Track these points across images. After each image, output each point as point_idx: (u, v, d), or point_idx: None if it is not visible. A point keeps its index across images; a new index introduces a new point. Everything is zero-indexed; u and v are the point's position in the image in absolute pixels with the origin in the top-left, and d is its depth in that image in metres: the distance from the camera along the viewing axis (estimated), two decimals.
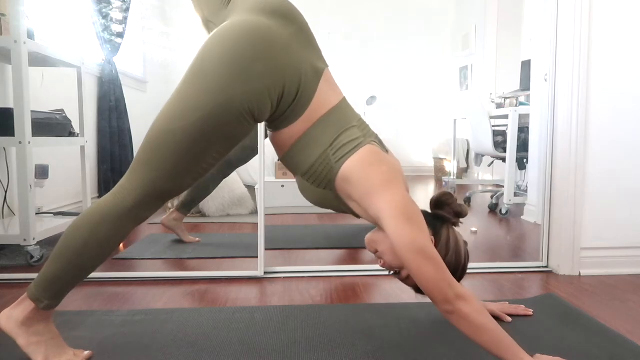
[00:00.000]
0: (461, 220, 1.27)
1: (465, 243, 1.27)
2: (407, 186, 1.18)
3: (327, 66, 1.23)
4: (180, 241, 2.45)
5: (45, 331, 1.14)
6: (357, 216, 1.24)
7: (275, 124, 1.18)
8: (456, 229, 1.28)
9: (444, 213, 1.25)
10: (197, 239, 2.48)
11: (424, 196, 4.42)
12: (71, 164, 3.09)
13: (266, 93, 1.07)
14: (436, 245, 1.18)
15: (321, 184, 1.17)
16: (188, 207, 2.43)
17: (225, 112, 1.04)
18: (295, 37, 1.14)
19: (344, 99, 1.22)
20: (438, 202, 1.27)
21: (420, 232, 1.06)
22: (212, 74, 1.04)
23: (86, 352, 1.19)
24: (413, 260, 1.04)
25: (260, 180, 1.96)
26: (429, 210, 1.27)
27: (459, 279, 1.20)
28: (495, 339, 1.02)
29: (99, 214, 1.09)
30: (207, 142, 1.06)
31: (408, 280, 1.22)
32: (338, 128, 1.15)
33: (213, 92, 1.03)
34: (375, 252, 1.23)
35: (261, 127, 1.95)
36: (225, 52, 1.04)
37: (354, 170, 1.12)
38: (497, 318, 1.44)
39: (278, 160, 3.97)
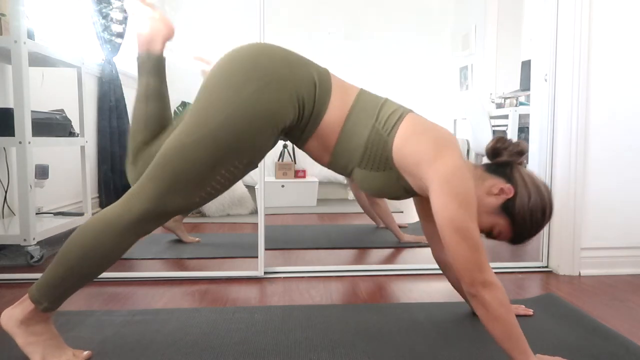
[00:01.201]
0: (524, 156, 1.20)
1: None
2: (459, 152, 1.11)
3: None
4: (180, 241, 2.45)
5: (43, 331, 1.14)
6: (415, 194, 1.19)
7: (307, 130, 1.14)
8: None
9: (505, 158, 1.19)
10: (197, 239, 2.48)
11: None
12: (71, 164, 3.09)
13: (288, 98, 1.07)
14: (516, 193, 1.13)
15: (380, 163, 1.13)
16: None
17: (247, 123, 1.03)
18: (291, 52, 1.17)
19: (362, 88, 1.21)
20: (495, 151, 1.21)
21: (463, 210, 1.03)
22: (232, 87, 1.04)
23: (85, 352, 1.18)
24: (450, 237, 1.03)
25: (260, 180, 1.96)
26: (489, 161, 1.22)
27: (549, 217, 1.16)
28: (507, 333, 1.02)
29: (104, 223, 1.08)
30: (220, 155, 1.04)
31: (501, 236, 1.18)
32: (374, 105, 1.14)
33: (235, 102, 1.03)
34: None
35: None
36: (242, 67, 1.06)
37: (407, 138, 1.09)
38: None
39: (278, 160, 3.97)
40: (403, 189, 1.17)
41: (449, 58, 6.09)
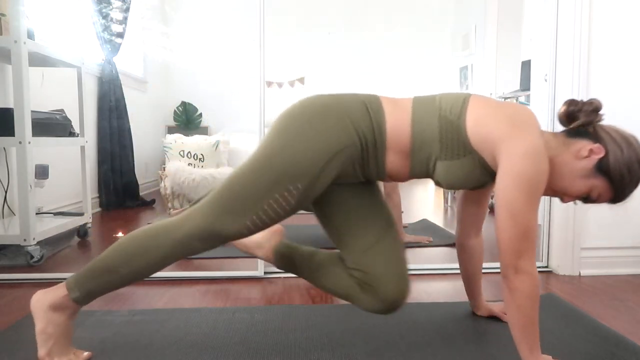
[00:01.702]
0: (601, 112, 1.13)
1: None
2: (536, 129, 1.06)
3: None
4: None
5: (63, 325, 1.15)
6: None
7: (378, 145, 1.13)
8: None
9: (584, 119, 1.12)
10: None
11: (424, 196, 4.42)
12: (71, 164, 3.10)
13: (341, 124, 1.09)
14: (607, 150, 1.07)
15: (459, 150, 1.10)
16: None
17: (303, 149, 1.07)
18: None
19: None
20: (569, 115, 1.15)
21: (526, 193, 1.01)
22: (287, 130, 1.09)
23: (85, 353, 1.19)
24: (504, 217, 1.02)
25: None
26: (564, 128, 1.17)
27: None
28: (523, 325, 1.03)
29: (158, 230, 1.12)
30: (276, 179, 1.07)
31: (600, 198, 1.13)
32: (431, 99, 1.14)
33: (292, 137, 1.08)
34: (553, 191, 1.15)
35: (261, 122, 1.95)
36: (291, 112, 1.12)
37: (479, 117, 1.07)
38: (496, 318, 1.44)
39: None
40: (487, 173, 1.14)
41: (449, 58, 6.09)
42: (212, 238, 1.11)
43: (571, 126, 1.15)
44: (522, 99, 3.45)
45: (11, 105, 2.38)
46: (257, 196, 1.07)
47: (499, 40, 5.16)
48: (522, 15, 3.70)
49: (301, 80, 5.82)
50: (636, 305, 1.61)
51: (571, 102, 1.14)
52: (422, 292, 1.74)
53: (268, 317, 1.46)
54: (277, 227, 1.40)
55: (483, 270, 1.96)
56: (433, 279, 1.89)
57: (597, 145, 1.08)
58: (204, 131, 5.43)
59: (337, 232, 1.23)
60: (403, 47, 5.97)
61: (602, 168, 1.08)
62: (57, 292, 1.14)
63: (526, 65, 3.67)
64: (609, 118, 1.97)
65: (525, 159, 1.01)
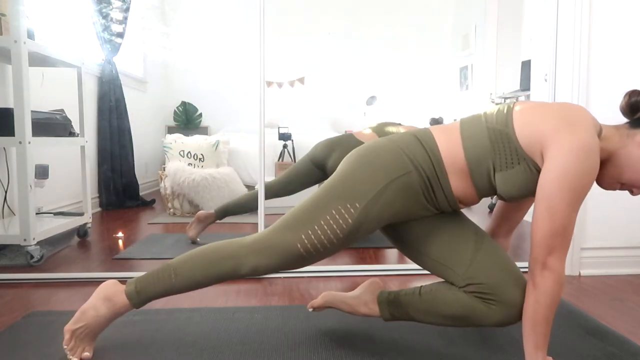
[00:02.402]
0: None
1: None
2: (590, 124, 1.05)
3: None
4: (180, 241, 2.45)
5: (101, 319, 1.19)
6: None
7: (438, 171, 1.14)
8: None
9: None
10: (198, 239, 2.48)
11: None
12: (71, 164, 3.10)
13: (398, 154, 1.15)
14: None
15: (513, 158, 1.09)
16: (226, 213, 2.43)
17: (365, 173, 1.13)
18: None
19: None
20: (633, 106, 1.12)
21: (566, 193, 1.00)
22: (358, 160, 1.16)
23: (85, 354, 1.19)
24: (541, 212, 1.02)
25: (260, 180, 1.96)
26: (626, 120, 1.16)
27: None
28: (536, 321, 1.03)
29: (228, 250, 1.18)
30: (334, 196, 1.13)
31: (635, 191, 1.14)
32: (477, 116, 1.16)
33: (358, 166, 1.15)
34: (620, 184, 1.15)
35: (261, 122, 1.95)
36: (351, 160, 1.18)
37: (526, 120, 1.07)
38: None
39: (278, 160, 3.97)
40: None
41: (449, 58, 6.09)
42: (269, 253, 1.16)
43: (635, 117, 1.12)
44: (522, 99, 3.45)
45: (11, 105, 2.38)
46: (315, 210, 1.12)
47: (499, 40, 5.16)
48: (522, 15, 3.70)
49: (301, 80, 5.82)
50: (636, 305, 1.61)
51: (633, 93, 1.12)
52: None
53: (268, 317, 1.46)
54: (373, 279, 1.37)
55: None
56: (433, 279, 1.89)
57: None
58: (204, 131, 5.43)
59: (435, 260, 1.18)
60: (403, 47, 5.97)
61: None
62: (119, 288, 1.21)
63: (526, 65, 3.67)
64: (609, 118, 1.97)
65: (571, 155, 1.00)
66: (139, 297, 1.19)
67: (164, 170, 3.36)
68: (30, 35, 2.09)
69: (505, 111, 1.11)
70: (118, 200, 3.65)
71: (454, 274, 1.15)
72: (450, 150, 1.13)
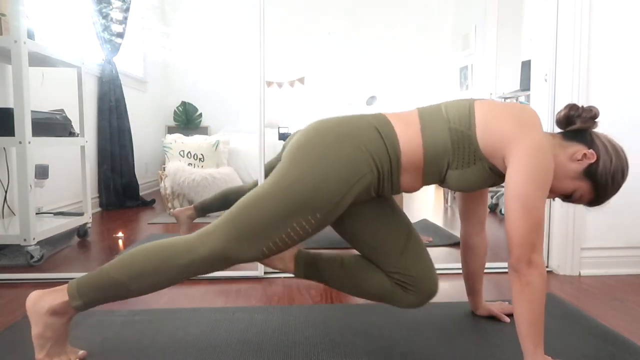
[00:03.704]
0: (597, 120, 1.21)
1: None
2: (541, 126, 1.12)
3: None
4: None
5: (59, 329, 1.14)
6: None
7: (393, 168, 1.15)
8: None
9: (580, 125, 1.18)
10: None
11: (424, 196, 4.42)
12: (71, 164, 3.10)
13: (362, 156, 1.10)
14: (598, 157, 1.14)
15: (470, 158, 1.13)
16: (206, 210, 2.43)
17: (323, 179, 1.07)
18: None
19: None
20: (568, 119, 1.20)
21: (537, 187, 1.05)
22: (307, 156, 1.10)
23: (81, 352, 1.19)
24: (516, 211, 1.04)
25: (260, 180, 1.96)
26: (561, 130, 1.23)
27: (627, 175, 1.18)
28: (533, 319, 1.04)
29: (172, 252, 1.11)
30: (295, 209, 1.07)
31: (582, 199, 1.19)
32: (437, 111, 1.16)
33: (311, 164, 1.08)
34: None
35: (261, 122, 1.95)
36: (308, 140, 1.12)
37: (487, 124, 1.10)
38: (495, 318, 1.44)
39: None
40: (496, 176, 1.17)
41: (449, 58, 6.09)
42: (227, 262, 1.12)
43: (568, 129, 1.20)
44: (522, 99, 3.45)
45: (11, 105, 2.38)
46: (275, 225, 1.08)
47: (499, 40, 5.16)
48: (522, 15, 3.70)
49: (301, 80, 5.82)
50: (636, 305, 1.61)
51: (572, 107, 1.19)
52: None
53: (268, 317, 1.46)
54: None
55: (485, 270, 1.97)
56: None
57: (590, 151, 1.14)
58: (204, 131, 5.43)
59: (368, 244, 1.25)
60: (403, 47, 5.97)
61: (590, 173, 1.14)
62: (57, 297, 1.12)
63: (526, 65, 3.67)
64: (609, 118, 1.97)
65: (535, 155, 1.05)
66: (87, 306, 1.14)
67: (164, 170, 3.36)
68: (30, 35, 2.09)
69: (467, 112, 1.13)
70: (118, 200, 3.65)
71: (384, 261, 1.24)
72: (410, 147, 1.13)
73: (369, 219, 1.24)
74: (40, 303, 1.12)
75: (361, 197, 1.17)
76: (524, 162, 1.05)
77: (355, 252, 1.33)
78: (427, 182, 1.19)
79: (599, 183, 1.15)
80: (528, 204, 1.04)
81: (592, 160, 1.14)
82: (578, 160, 1.15)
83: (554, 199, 1.23)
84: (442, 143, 1.13)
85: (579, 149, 1.15)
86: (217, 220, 1.12)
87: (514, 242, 1.05)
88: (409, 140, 1.14)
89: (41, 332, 1.11)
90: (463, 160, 1.14)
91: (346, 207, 1.14)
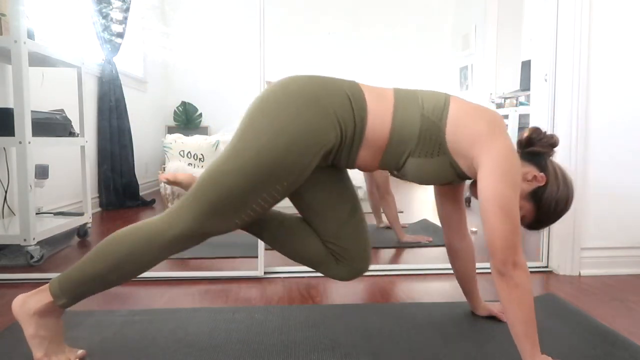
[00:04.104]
0: (555, 149, 1.26)
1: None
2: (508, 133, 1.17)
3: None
4: None
5: (52, 327, 1.14)
6: (468, 178, 1.20)
7: (356, 141, 1.14)
8: None
9: (539, 149, 1.23)
10: None
11: (424, 196, 4.42)
12: (71, 164, 3.10)
13: (324, 117, 1.08)
14: (547, 182, 1.19)
15: (434, 150, 1.13)
16: None
17: (286, 147, 1.05)
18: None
19: None
20: (530, 140, 1.25)
21: (512, 190, 1.06)
22: (268, 116, 1.07)
23: (80, 351, 1.19)
24: (495, 214, 1.05)
25: None
26: (520, 150, 1.26)
27: (568, 209, 1.23)
28: (526, 318, 1.04)
29: (144, 235, 1.10)
30: (262, 180, 1.06)
31: (524, 220, 1.23)
32: (413, 96, 1.15)
33: (272, 129, 1.05)
34: None
35: None
36: (275, 97, 1.08)
37: (459, 121, 1.11)
38: (495, 318, 1.44)
39: None
40: (455, 174, 1.18)
41: (449, 58, 6.09)
42: (202, 237, 1.12)
43: (526, 150, 1.24)
44: (522, 99, 3.45)
45: (11, 105, 2.38)
46: (244, 198, 1.07)
47: (499, 40, 5.16)
48: (522, 15, 3.70)
49: None
50: (636, 305, 1.61)
51: (535, 130, 1.25)
52: (422, 292, 1.74)
53: (268, 317, 1.46)
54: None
55: (482, 270, 1.97)
56: (433, 279, 1.89)
57: (541, 174, 1.19)
58: (204, 131, 5.43)
59: (311, 208, 1.26)
60: (403, 47, 5.97)
61: (537, 195, 1.18)
62: (41, 298, 1.12)
63: (526, 65, 3.67)
64: (609, 118, 1.97)
65: (507, 158, 1.08)
66: (73, 302, 1.14)
67: (164, 170, 3.36)
68: (30, 35, 2.09)
69: (442, 104, 1.13)
70: (118, 200, 3.65)
71: (324, 228, 1.25)
72: (378, 122, 1.13)
73: (319, 184, 1.24)
74: (26, 306, 1.12)
75: (320, 163, 1.17)
76: (497, 164, 1.06)
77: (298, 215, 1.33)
78: (384, 165, 1.19)
79: (543, 206, 1.18)
80: (506, 205, 1.05)
81: (541, 183, 1.18)
82: (528, 180, 1.19)
83: None
84: (411, 127, 1.12)
85: (531, 170, 1.19)
86: (183, 199, 1.11)
87: (497, 245, 1.05)
88: (379, 116, 1.13)
89: (34, 332, 1.12)
90: (427, 150, 1.14)
91: (310, 172, 1.13)
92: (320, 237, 1.27)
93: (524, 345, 1.04)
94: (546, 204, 1.19)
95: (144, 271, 1.14)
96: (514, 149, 1.11)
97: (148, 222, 1.12)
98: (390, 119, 1.13)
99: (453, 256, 1.44)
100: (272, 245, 1.31)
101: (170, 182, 1.34)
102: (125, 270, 1.11)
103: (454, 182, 1.23)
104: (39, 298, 1.12)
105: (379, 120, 1.13)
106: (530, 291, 1.05)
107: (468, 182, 1.29)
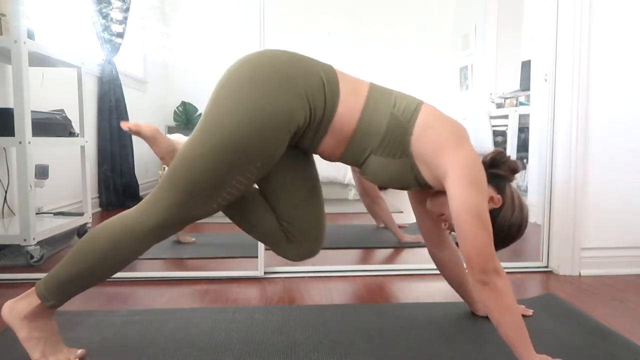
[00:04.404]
0: (516, 176, 1.27)
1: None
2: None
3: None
4: (179, 241, 2.45)
5: (46, 328, 1.14)
6: (428, 186, 1.20)
7: (322, 126, 1.13)
8: None
9: (501, 171, 1.25)
10: (193, 239, 2.48)
11: None
12: (71, 164, 3.09)
13: (296, 98, 1.06)
14: (503, 203, 1.20)
15: (397, 151, 1.13)
16: None
17: (261, 124, 1.03)
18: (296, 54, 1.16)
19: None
20: (493, 161, 1.26)
21: (482, 198, 1.07)
22: (239, 95, 1.04)
23: (79, 351, 1.19)
24: (468, 224, 1.04)
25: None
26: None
27: (519, 237, 1.25)
28: (516, 323, 1.04)
29: (123, 229, 1.10)
30: (235, 162, 1.05)
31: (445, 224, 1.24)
32: (387, 94, 1.15)
33: (243, 109, 1.03)
34: (441, 215, 1.25)
35: None
36: (252, 73, 1.06)
37: (428, 125, 1.11)
38: None
39: None
40: (414, 179, 1.17)
41: (449, 58, 6.09)
42: (184, 223, 1.12)
43: (488, 171, 1.24)
44: (522, 99, 3.45)
45: (11, 105, 2.38)
46: (218, 183, 1.06)
47: (499, 40, 5.16)
48: (522, 15, 3.70)
49: None
50: (636, 305, 1.61)
51: (500, 153, 1.26)
52: (422, 292, 1.74)
53: (268, 317, 1.46)
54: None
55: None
56: (433, 279, 1.89)
57: (498, 196, 1.20)
58: None
59: (270, 185, 1.25)
60: (403, 47, 5.97)
61: (490, 216, 1.16)
62: (30, 302, 1.12)
63: (526, 65, 3.67)
64: (609, 118, 1.97)
65: (474, 166, 1.08)
66: (61, 302, 1.14)
67: (164, 170, 3.36)
68: (30, 35, 2.09)
69: (414, 107, 1.13)
70: (118, 200, 3.65)
71: (280, 205, 1.25)
72: (347, 111, 1.12)
73: (280, 162, 1.23)
74: (15, 311, 1.12)
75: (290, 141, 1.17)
76: (464, 173, 1.07)
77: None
78: (346, 157, 1.18)
79: (495, 229, 1.18)
80: (479, 213, 1.05)
81: (497, 206, 1.19)
82: None
83: (446, 226, 1.25)
84: (378, 123, 1.12)
85: (489, 191, 1.19)
86: (157, 187, 1.10)
87: (475, 253, 1.04)
88: (349, 106, 1.12)
89: (28, 335, 1.12)
90: (390, 150, 1.13)
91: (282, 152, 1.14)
92: (276, 214, 1.27)
93: (520, 350, 1.04)
94: (499, 226, 1.20)
95: (129, 263, 1.14)
96: (479, 159, 1.11)
97: (126, 215, 1.12)
98: (360, 111, 1.13)
99: (439, 266, 1.45)
100: (231, 217, 1.30)
101: (132, 132, 1.30)
102: (108, 265, 1.11)
103: (411, 188, 1.23)
104: (27, 302, 1.13)
105: (349, 110, 1.12)
106: (513, 296, 1.06)
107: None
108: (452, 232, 1.26)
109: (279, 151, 1.09)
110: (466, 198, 1.04)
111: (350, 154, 1.17)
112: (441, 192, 1.22)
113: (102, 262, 1.10)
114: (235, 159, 1.04)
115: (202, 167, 1.04)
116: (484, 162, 1.25)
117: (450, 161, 1.08)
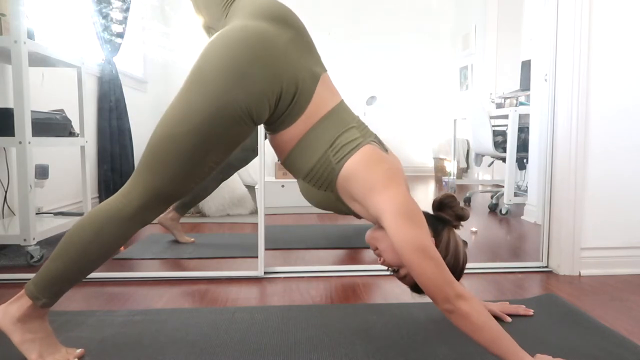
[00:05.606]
0: (462, 223, 1.27)
1: (465, 244, 1.27)
2: (407, 185, 1.19)
3: (325, 71, 1.25)
4: (179, 242, 2.45)
5: (39, 329, 1.14)
6: (359, 216, 1.24)
7: (274, 127, 1.19)
8: (456, 230, 1.27)
9: (445, 215, 1.25)
10: (192, 239, 2.48)
11: (424, 196, 4.42)
12: (71, 164, 3.10)
13: (264, 96, 1.09)
14: (436, 247, 1.18)
15: (322, 185, 1.18)
16: (186, 207, 2.43)
17: (225, 116, 1.07)
18: (294, 42, 1.16)
19: (342, 101, 1.23)
20: (440, 204, 1.27)
21: (421, 231, 1.07)
22: (212, 79, 1.06)
23: (78, 351, 1.19)
24: (414, 259, 1.04)
25: (260, 180, 1.96)
26: (431, 212, 1.28)
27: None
28: (495, 337, 1.02)
29: (105, 216, 1.11)
30: (207, 145, 1.08)
31: (406, 279, 1.23)
32: (337, 129, 1.16)
33: (213, 96, 1.06)
34: (376, 249, 1.24)
35: (261, 127, 1.95)
36: (224, 57, 1.07)
37: (355, 169, 1.13)
38: (497, 318, 1.44)
39: (278, 161, 3.97)
40: (347, 209, 1.22)
41: (449, 58, 6.09)
42: (165, 204, 1.13)
43: (433, 213, 1.25)
44: (522, 99, 3.45)
45: (11, 105, 2.38)
46: (196, 163, 1.09)
47: (499, 40, 5.16)
48: (522, 15, 3.70)
49: None
50: (636, 305, 1.61)
51: (450, 197, 1.26)
52: None
53: (268, 317, 1.46)
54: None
55: (482, 270, 1.97)
56: None
57: (432, 238, 1.16)
58: None
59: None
60: (403, 47, 5.97)
61: None
62: (21, 304, 1.12)
63: (526, 65, 3.67)
64: (609, 118, 1.97)
65: (405, 202, 1.09)
66: (53, 300, 1.14)
67: None
68: (30, 35, 2.09)
69: (351, 148, 1.14)
70: None
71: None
72: (293, 132, 1.16)
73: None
74: (8, 315, 1.12)
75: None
76: (397, 209, 1.07)
77: None
78: (288, 165, 1.22)
79: None
80: (420, 245, 1.04)
81: None
82: None
83: (380, 261, 1.25)
84: (310, 154, 1.16)
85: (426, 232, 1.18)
86: (137, 168, 1.12)
87: (432, 287, 1.04)
88: (298, 127, 1.16)
89: (21, 338, 1.12)
90: (316, 182, 1.18)
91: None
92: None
93: (510, 356, 1.02)
94: None
95: (116, 250, 1.14)
96: (410, 197, 1.12)
97: (107, 202, 1.13)
98: (300, 138, 1.17)
99: None
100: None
101: None
102: (95, 255, 1.11)
103: (347, 214, 1.26)
104: (19, 304, 1.13)
105: (295, 132, 1.16)
106: (485, 314, 1.03)
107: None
108: (390, 270, 1.26)
109: (248, 133, 1.13)
110: (405, 234, 1.05)
111: (290, 163, 1.22)
112: (380, 227, 1.21)
113: (87, 253, 1.10)
114: (209, 143, 1.08)
115: (179, 150, 1.07)
116: (432, 203, 1.28)
117: (381, 201, 1.09)
